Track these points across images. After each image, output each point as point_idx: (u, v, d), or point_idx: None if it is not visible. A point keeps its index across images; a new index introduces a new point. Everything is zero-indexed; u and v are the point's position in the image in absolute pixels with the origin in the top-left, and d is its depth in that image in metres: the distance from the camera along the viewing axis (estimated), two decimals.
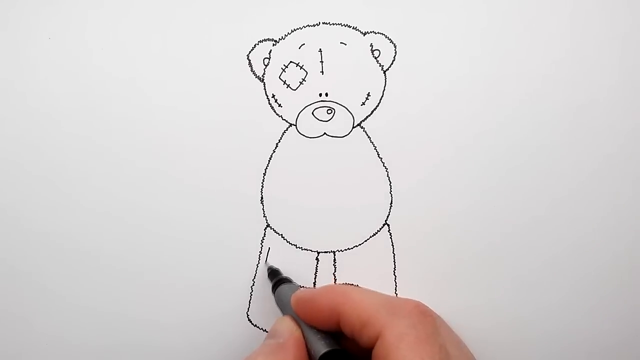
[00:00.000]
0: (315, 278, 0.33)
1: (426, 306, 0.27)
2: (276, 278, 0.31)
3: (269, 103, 0.31)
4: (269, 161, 0.32)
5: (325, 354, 0.25)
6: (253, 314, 0.33)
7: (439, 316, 0.29)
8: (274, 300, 0.31)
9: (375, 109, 0.31)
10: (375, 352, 0.24)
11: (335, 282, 0.33)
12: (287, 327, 0.27)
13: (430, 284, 0.32)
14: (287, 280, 0.31)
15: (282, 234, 0.32)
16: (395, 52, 0.31)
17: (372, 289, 0.30)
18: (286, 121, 0.32)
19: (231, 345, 0.33)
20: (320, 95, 0.31)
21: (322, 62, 0.31)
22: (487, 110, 0.31)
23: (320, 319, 0.27)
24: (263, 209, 0.32)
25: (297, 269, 0.33)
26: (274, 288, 0.30)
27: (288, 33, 0.31)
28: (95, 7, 0.31)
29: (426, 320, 0.25)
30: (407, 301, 0.27)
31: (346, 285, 0.28)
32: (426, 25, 0.31)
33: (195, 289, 0.33)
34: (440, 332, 0.26)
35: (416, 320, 0.25)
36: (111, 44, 0.31)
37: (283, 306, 0.29)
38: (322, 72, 0.31)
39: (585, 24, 0.31)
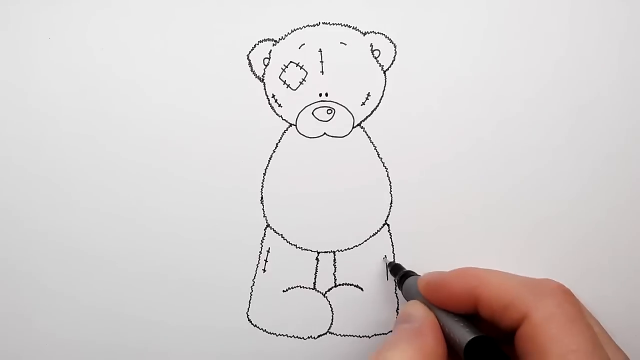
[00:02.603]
0: (315, 278, 0.33)
1: (565, 286, 0.25)
2: (400, 272, 0.30)
3: (269, 103, 0.31)
4: (269, 161, 0.32)
5: (472, 340, 0.24)
6: (253, 314, 0.33)
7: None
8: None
9: (375, 109, 0.31)
10: (520, 333, 0.23)
11: (335, 282, 0.33)
12: (421, 311, 0.26)
13: None
14: (412, 273, 0.30)
15: (282, 234, 0.32)
16: (395, 52, 0.31)
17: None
18: (286, 121, 0.32)
19: (231, 345, 0.33)
20: (320, 95, 0.31)
21: (322, 62, 0.31)
22: (487, 110, 0.31)
23: (453, 302, 0.26)
24: (263, 209, 0.32)
25: (297, 269, 0.33)
26: (401, 282, 0.30)
27: (288, 33, 0.31)
28: (95, 7, 0.31)
29: (571, 299, 0.24)
30: (547, 281, 0.25)
31: (477, 268, 0.27)
32: (426, 25, 0.31)
33: (195, 288, 0.33)
34: (584, 311, 0.25)
35: (562, 300, 0.24)
36: (111, 44, 0.31)
37: (412, 297, 0.29)
38: (322, 72, 0.31)
39: (585, 24, 0.31)
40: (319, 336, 0.33)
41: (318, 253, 0.33)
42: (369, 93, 0.31)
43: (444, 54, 0.31)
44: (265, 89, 0.31)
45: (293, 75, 0.31)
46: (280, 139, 0.32)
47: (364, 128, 0.32)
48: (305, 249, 0.33)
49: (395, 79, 0.31)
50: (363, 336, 0.33)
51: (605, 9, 0.31)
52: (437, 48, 0.31)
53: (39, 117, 0.32)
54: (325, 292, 0.33)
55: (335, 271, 0.33)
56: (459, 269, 0.27)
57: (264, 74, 0.31)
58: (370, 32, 0.31)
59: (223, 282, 0.33)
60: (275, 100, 0.31)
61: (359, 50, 0.31)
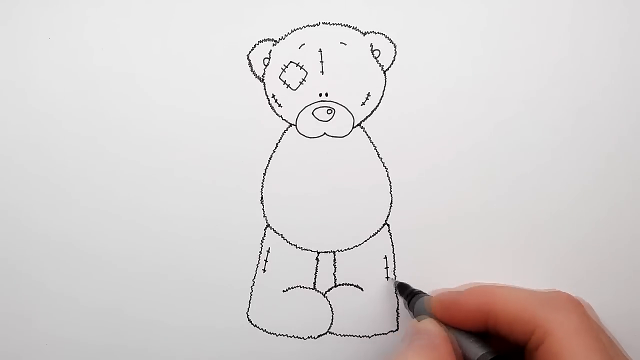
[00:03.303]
0: (315, 278, 0.33)
1: (574, 298, 0.26)
2: (407, 291, 0.31)
3: (269, 103, 0.31)
4: (269, 161, 0.32)
5: (482, 356, 0.24)
6: (253, 314, 0.33)
7: None
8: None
9: (375, 109, 0.31)
10: (545, 348, 0.24)
11: (335, 282, 0.33)
12: (435, 328, 0.26)
13: (430, 285, 0.32)
14: (421, 293, 0.30)
15: (282, 234, 0.32)
16: (395, 52, 0.31)
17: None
18: (286, 121, 0.32)
19: (231, 345, 0.33)
20: (320, 95, 0.31)
21: (322, 62, 0.31)
22: (487, 110, 0.31)
23: (466, 321, 0.26)
24: (263, 209, 0.32)
25: (297, 269, 0.33)
26: (410, 303, 0.30)
27: (288, 33, 0.31)
28: (96, 7, 0.31)
29: (584, 312, 0.25)
30: (558, 294, 0.26)
31: (488, 285, 0.28)
32: (426, 25, 0.31)
33: (195, 288, 0.33)
34: (598, 325, 0.26)
35: (579, 314, 0.24)
36: (111, 44, 0.31)
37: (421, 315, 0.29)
38: (322, 72, 0.31)
39: (585, 25, 0.31)
40: (319, 336, 0.33)
41: (318, 253, 0.33)
42: (369, 93, 0.31)
43: (444, 54, 0.31)
44: (265, 89, 0.31)
45: (293, 75, 0.31)
46: (280, 139, 0.32)
47: (364, 128, 0.32)
48: (305, 249, 0.33)
49: (395, 79, 0.31)
50: (363, 336, 0.33)
51: (605, 9, 0.31)
52: (437, 48, 0.31)
53: (39, 117, 0.32)
54: (325, 292, 0.33)
55: (335, 271, 0.33)
56: (470, 288, 0.27)
57: (264, 74, 0.31)
58: (370, 32, 0.31)
59: (223, 282, 0.33)
60: (275, 100, 0.31)
61: (359, 50, 0.31)
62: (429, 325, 0.27)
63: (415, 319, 0.28)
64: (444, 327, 0.27)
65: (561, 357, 0.23)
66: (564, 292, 0.26)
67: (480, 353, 0.24)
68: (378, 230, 0.32)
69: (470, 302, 0.26)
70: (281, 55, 0.31)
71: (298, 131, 0.32)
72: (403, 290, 0.31)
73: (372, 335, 0.33)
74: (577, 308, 0.25)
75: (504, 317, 0.25)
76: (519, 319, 0.25)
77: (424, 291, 0.31)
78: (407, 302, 0.30)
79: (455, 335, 0.26)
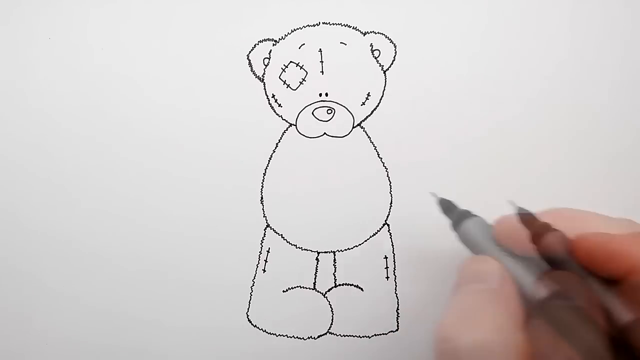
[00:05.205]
0: (315, 278, 0.33)
1: None
2: (456, 212, 0.27)
3: (269, 103, 0.31)
4: (269, 161, 0.32)
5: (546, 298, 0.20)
6: (253, 314, 0.33)
7: None
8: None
9: (375, 109, 0.31)
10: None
11: (335, 282, 0.33)
12: (496, 268, 0.22)
13: (430, 285, 0.32)
14: (469, 214, 0.26)
15: (282, 234, 0.32)
16: (395, 52, 0.31)
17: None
18: (286, 121, 0.32)
19: (231, 345, 0.33)
20: (320, 95, 0.31)
21: (322, 62, 0.31)
22: (487, 110, 0.31)
23: (540, 251, 0.22)
24: (263, 209, 0.32)
25: (297, 269, 0.33)
26: (457, 224, 0.26)
27: (288, 33, 0.31)
28: (96, 7, 0.31)
29: None
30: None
31: (571, 209, 0.23)
32: (426, 25, 0.31)
33: (195, 288, 0.33)
34: None
35: None
36: (111, 44, 0.31)
37: (473, 244, 0.25)
38: (322, 72, 0.31)
39: (585, 25, 0.31)
40: (319, 336, 0.33)
41: (318, 253, 0.33)
42: (369, 93, 0.31)
43: (444, 54, 0.31)
44: (265, 89, 0.31)
45: (293, 75, 0.31)
46: (280, 139, 0.32)
47: (364, 128, 0.32)
48: (305, 249, 0.33)
49: (395, 79, 0.31)
50: (363, 336, 0.33)
51: (606, 9, 0.31)
52: (437, 48, 0.31)
53: (39, 116, 0.32)
54: (325, 292, 0.33)
55: (335, 271, 0.33)
56: (550, 210, 0.23)
57: (264, 74, 0.31)
58: (370, 32, 0.31)
59: (223, 282, 0.33)
60: (275, 100, 0.31)
61: (359, 50, 0.31)
62: (489, 265, 0.23)
63: (470, 258, 0.24)
64: (502, 262, 0.23)
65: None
66: None
67: (545, 293, 0.20)
68: (378, 230, 0.32)
69: (552, 241, 0.22)
70: (281, 55, 0.31)
71: (298, 131, 0.32)
72: (449, 209, 0.27)
73: (372, 336, 0.33)
74: None
75: (588, 248, 0.21)
76: (607, 253, 0.20)
77: (472, 212, 0.27)
78: (453, 224, 0.27)
79: (514, 266, 0.22)
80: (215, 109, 0.32)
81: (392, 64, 0.31)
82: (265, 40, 0.31)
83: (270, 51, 0.31)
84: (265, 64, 0.31)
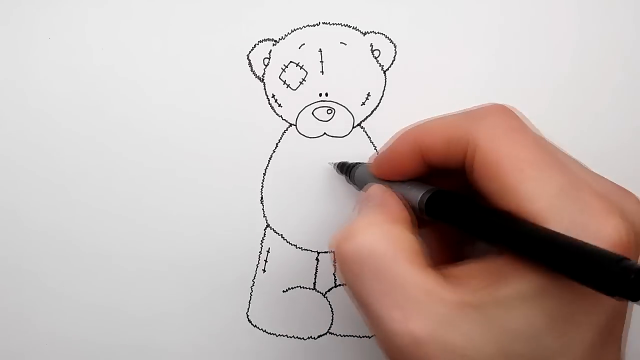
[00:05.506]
0: (315, 278, 0.33)
1: (505, 105, 0.24)
2: (345, 167, 0.30)
3: (269, 103, 0.31)
4: (269, 161, 0.32)
5: (428, 199, 0.23)
6: (253, 314, 0.33)
7: None
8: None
9: (375, 109, 0.31)
10: (469, 165, 0.22)
11: (335, 282, 0.33)
12: (379, 189, 0.25)
13: None
14: (358, 164, 0.29)
15: (282, 234, 0.32)
16: (395, 52, 0.31)
17: None
18: (286, 121, 0.32)
19: (231, 345, 0.33)
20: (320, 95, 0.31)
21: (322, 62, 0.31)
22: None
23: (407, 168, 0.25)
24: (263, 209, 0.32)
25: (297, 269, 0.33)
26: (350, 177, 0.29)
27: (288, 33, 0.31)
28: (96, 7, 0.31)
29: (510, 113, 0.23)
30: (486, 106, 0.24)
31: (416, 124, 0.25)
32: (426, 25, 0.31)
33: (195, 288, 0.33)
34: (527, 123, 0.23)
35: (501, 116, 0.22)
36: (111, 44, 0.31)
37: (362, 183, 0.28)
38: (322, 72, 0.31)
39: (586, 24, 0.31)
40: (319, 336, 0.33)
41: (318, 253, 0.33)
42: (369, 93, 0.31)
43: (444, 53, 0.31)
44: (265, 89, 0.31)
45: (293, 75, 0.31)
46: (280, 139, 0.32)
47: (364, 128, 0.32)
48: (305, 249, 0.33)
49: (395, 79, 0.31)
50: (363, 336, 0.33)
51: (607, 9, 0.31)
52: (437, 48, 0.31)
53: (39, 116, 0.32)
54: (325, 292, 0.33)
55: (335, 271, 0.33)
56: (398, 135, 0.25)
57: (264, 74, 0.31)
58: (370, 32, 0.31)
59: (223, 282, 0.33)
60: (275, 100, 0.31)
61: (359, 50, 0.31)
62: (373, 188, 0.25)
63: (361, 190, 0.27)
64: (388, 186, 0.25)
65: (487, 166, 0.21)
66: (495, 103, 0.24)
67: (420, 194, 0.23)
68: None
69: (401, 147, 0.25)
70: (281, 55, 0.31)
71: (298, 131, 0.32)
72: (342, 168, 0.30)
73: (372, 336, 0.33)
74: (498, 113, 0.23)
75: (435, 147, 0.23)
76: (449, 142, 0.23)
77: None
78: (348, 178, 0.30)
79: (400, 190, 0.25)
80: (215, 109, 0.31)
81: (392, 64, 0.31)
82: (265, 40, 0.31)
83: (270, 51, 0.31)
84: (265, 64, 0.31)
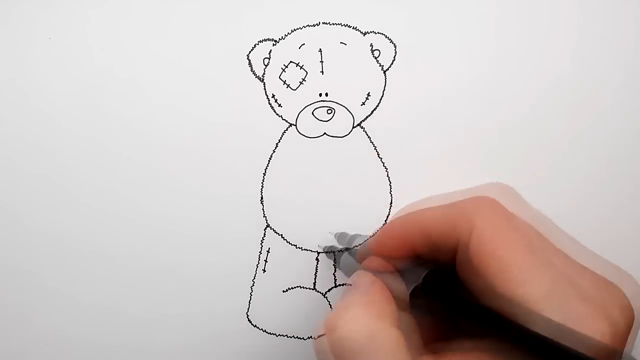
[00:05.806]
0: (315, 278, 0.33)
1: (491, 197, 0.24)
2: (332, 255, 0.31)
3: (269, 103, 0.31)
4: (269, 161, 0.32)
5: (413, 290, 0.23)
6: (253, 314, 0.33)
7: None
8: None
9: (375, 109, 0.31)
10: (458, 261, 0.23)
11: (335, 282, 0.33)
12: (365, 276, 0.25)
13: None
14: (343, 250, 0.30)
15: (282, 234, 0.32)
16: (395, 52, 0.31)
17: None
18: (286, 121, 0.32)
19: (231, 345, 0.33)
20: (320, 95, 0.31)
21: (322, 62, 0.31)
22: (487, 110, 0.31)
23: (393, 258, 0.25)
24: (263, 209, 0.32)
25: (297, 269, 0.33)
26: (336, 263, 0.31)
27: (288, 33, 0.31)
28: (96, 7, 0.31)
29: (497, 208, 0.23)
30: (474, 199, 0.24)
31: (406, 214, 0.26)
32: (426, 25, 0.31)
33: (195, 289, 0.33)
34: (512, 217, 0.24)
35: (488, 214, 0.23)
36: (111, 44, 0.31)
37: (348, 270, 0.29)
38: (322, 72, 0.31)
39: (586, 24, 0.31)
40: (319, 336, 0.33)
41: (318, 253, 0.33)
42: (369, 93, 0.31)
43: (444, 54, 0.31)
44: (265, 89, 0.31)
45: (293, 75, 0.31)
46: (280, 139, 0.32)
47: (364, 128, 0.32)
48: (305, 249, 0.33)
49: (395, 79, 0.31)
50: None
51: (607, 9, 0.31)
52: (437, 48, 0.31)
53: (39, 116, 0.32)
54: (325, 292, 0.33)
55: (335, 271, 0.33)
56: (385, 225, 0.26)
57: (264, 74, 0.31)
58: (370, 32, 0.31)
59: (223, 282, 0.33)
60: (275, 100, 0.31)
61: (359, 50, 0.31)
62: (360, 277, 0.25)
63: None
64: (376, 274, 0.25)
65: (473, 264, 0.22)
66: (482, 196, 0.24)
67: (406, 288, 0.24)
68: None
69: (390, 241, 0.25)
70: (281, 55, 0.31)
71: (298, 131, 0.32)
72: (331, 256, 0.31)
73: None
74: (492, 208, 0.23)
75: (423, 246, 0.24)
76: (434, 238, 0.23)
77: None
78: (334, 265, 0.31)
79: (388, 280, 0.25)
80: (215, 109, 0.31)
81: (392, 64, 0.31)
82: (265, 40, 0.31)
83: (270, 51, 0.31)
84: (265, 64, 0.31)
